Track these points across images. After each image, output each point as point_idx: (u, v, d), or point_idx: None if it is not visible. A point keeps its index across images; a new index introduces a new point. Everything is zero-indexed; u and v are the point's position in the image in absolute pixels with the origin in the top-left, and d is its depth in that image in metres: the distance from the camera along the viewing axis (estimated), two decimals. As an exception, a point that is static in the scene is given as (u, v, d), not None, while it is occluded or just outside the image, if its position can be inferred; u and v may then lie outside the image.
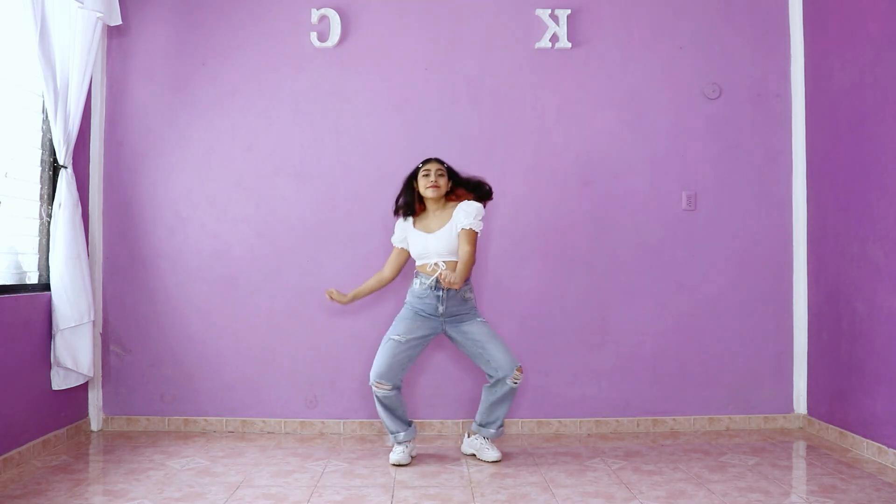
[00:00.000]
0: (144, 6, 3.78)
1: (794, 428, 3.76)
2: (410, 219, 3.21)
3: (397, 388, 3.09)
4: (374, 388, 3.07)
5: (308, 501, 2.62)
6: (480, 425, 3.22)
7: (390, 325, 3.69)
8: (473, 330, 3.13)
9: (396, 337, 3.09)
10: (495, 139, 3.76)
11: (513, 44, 3.80)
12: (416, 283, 3.16)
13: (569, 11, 3.75)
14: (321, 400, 3.73)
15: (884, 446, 3.09)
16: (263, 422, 3.71)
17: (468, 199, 3.12)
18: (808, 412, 3.75)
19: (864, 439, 3.23)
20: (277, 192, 3.76)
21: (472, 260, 3.06)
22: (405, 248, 3.24)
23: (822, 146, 3.64)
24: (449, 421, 3.71)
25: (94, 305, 3.57)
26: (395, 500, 2.64)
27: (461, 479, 2.89)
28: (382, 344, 3.12)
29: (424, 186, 3.11)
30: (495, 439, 3.27)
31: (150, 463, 3.11)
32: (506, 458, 3.22)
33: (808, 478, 2.96)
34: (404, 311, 3.18)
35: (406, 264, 3.31)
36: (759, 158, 3.82)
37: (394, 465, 3.10)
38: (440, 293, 3.09)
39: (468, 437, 3.27)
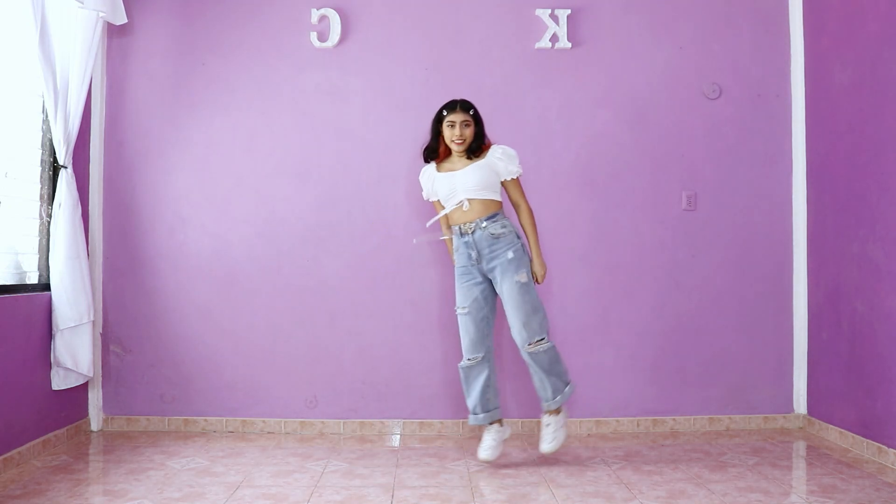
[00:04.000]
0: (145, 6, 3.78)
1: (794, 428, 3.76)
2: (433, 164, 3.12)
3: (487, 358, 3.04)
4: (462, 365, 3.06)
5: (308, 501, 2.62)
6: (544, 401, 3.07)
7: (390, 325, 3.72)
8: (503, 290, 2.97)
9: (460, 310, 3.06)
10: (495, 139, 3.74)
11: (513, 44, 3.80)
12: (454, 240, 3.09)
13: (569, 11, 3.75)
14: (321, 400, 3.73)
15: (884, 446, 3.09)
16: (263, 422, 3.71)
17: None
18: (808, 412, 3.75)
19: (864, 439, 3.23)
20: (277, 192, 3.76)
21: (531, 211, 3.04)
22: (438, 199, 3.15)
23: (822, 146, 3.64)
24: (449, 421, 3.71)
25: (94, 305, 3.57)
26: (395, 500, 2.64)
27: (461, 479, 2.89)
28: (459, 321, 3.10)
29: (449, 139, 3.01)
30: (563, 413, 3.05)
31: (150, 463, 3.11)
32: (505, 457, 3.22)
33: (808, 478, 2.96)
34: (456, 273, 3.11)
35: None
36: (759, 158, 3.82)
37: (483, 460, 3.04)
38: (468, 239, 2.99)
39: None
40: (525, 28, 3.79)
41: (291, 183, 3.76)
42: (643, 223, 3.79)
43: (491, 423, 3.11)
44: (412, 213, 3.73)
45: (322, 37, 3.77)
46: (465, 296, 3.05)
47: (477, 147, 3.03)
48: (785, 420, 3.78)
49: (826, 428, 3.54)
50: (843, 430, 3.40)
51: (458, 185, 3.00)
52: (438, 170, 3.11)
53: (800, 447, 3.42)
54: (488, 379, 3.07)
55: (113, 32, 3.76)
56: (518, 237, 3.01)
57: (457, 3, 3.81)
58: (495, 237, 2.95)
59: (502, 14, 3.80)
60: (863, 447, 3.22)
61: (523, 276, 2.95)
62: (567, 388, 3.06)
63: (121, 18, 3.49)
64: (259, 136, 3.77)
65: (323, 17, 3.76)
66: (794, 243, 3.81)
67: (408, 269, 3.72)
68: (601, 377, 3.75)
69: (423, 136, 3.73)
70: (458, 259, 3.08)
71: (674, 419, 3.75)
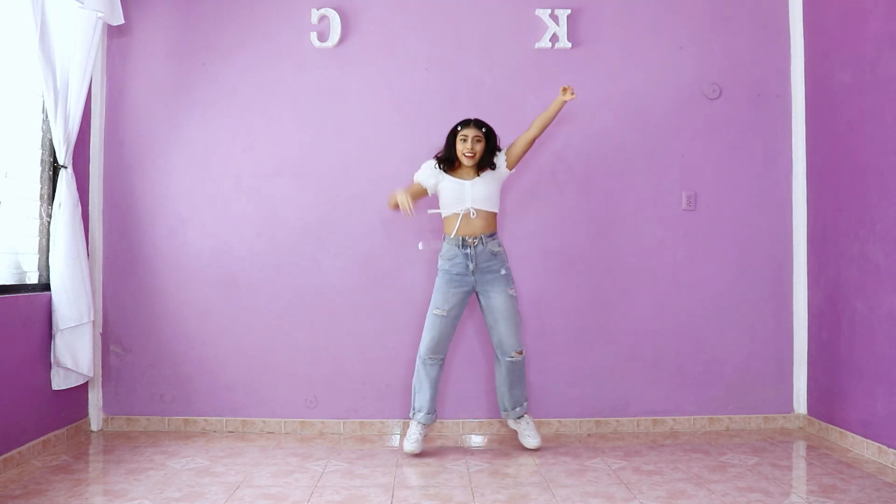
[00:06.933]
0: (144, 6, 3.78)
1: (794, 428, 3.76)
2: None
3: (443, 359, 3.30)
4: (424, 362, 3.26)
5: (308, 501, 2.62)
6: (504, 410, 3.37)
7: (390, 325, 3.72)
8: (496, 302, 3.23)
9: (438, 311, 3.24)
10: (495, 139, 3.77)
11: (513, 44, 3.80)
12: (445, 247, 3.26)
13: (569, 11, 3.75)
14: (321, 400, 3.73)
15: (884, 446, 3.09)
16: (263, 422, 3.71)
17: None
18: (808, 412, 3.75)
19: (864, 439, 3.23)
20: (277, 192, 3.76)
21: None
22: (428, 191, 3.31)
23: (822, 146, 3.64)
24: (449, 421, 3.71)
25: (94, 305, 3.57)
26: (395, 500, 2.64)
27: (461, 479, 2.89)
28: (427, 318, 3.28)
29: (461, 152, 3.22)
30: (536, 425, 3.42)
31: (150, 463, 3.11)
32: (505, 457, 3.23)
33: (808, 478, 2.96)
34: (439, 280, 3.29)
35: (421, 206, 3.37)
36: (759, 158, 3.82)
37: (409, 453, 3.25)
38: (468, 251, 3.20)
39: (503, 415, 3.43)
40: (525, 28, 3.79)
41: (291, 183, 3.76)
42: (643, 223, 3.79)
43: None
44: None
45: (322, 37, 3.77)
46: (447, 300, 3.24)
47: (487, 163, 3.25)
48: (785, 420, 3.78)
49: (826, 428, 3.54)
50: (843, 430, 3.40)
51: (467, 194, 3.20)
52: (448, 173, 3.28)
53: (800, 447, 3.42)
54: (438, 381, 3.31)
55: (113, 32, 3.76)
56: (506, 258, 3.31)
57: (457, 3, 3.81)
58: (494, 254, 3.24)
59: (502, 14, 3.80)
60: (863, 447, 3.22)
61: (513, 291, 3.28)
62: (525, 404, 3.37)
63: (118, 19, 3.49)
64: (259, 137, 3.77)
65: (323, 17, 3.76)
66: (794, 243, 3.81)
67: (408, 269, 3.72)
68: (601, 377, 3.75)
69: (423, 135, 3.75)
70: (452, 267, 3.25)
71: (674, 419, 3.75)
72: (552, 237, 3.76)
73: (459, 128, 3.25)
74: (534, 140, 3.28)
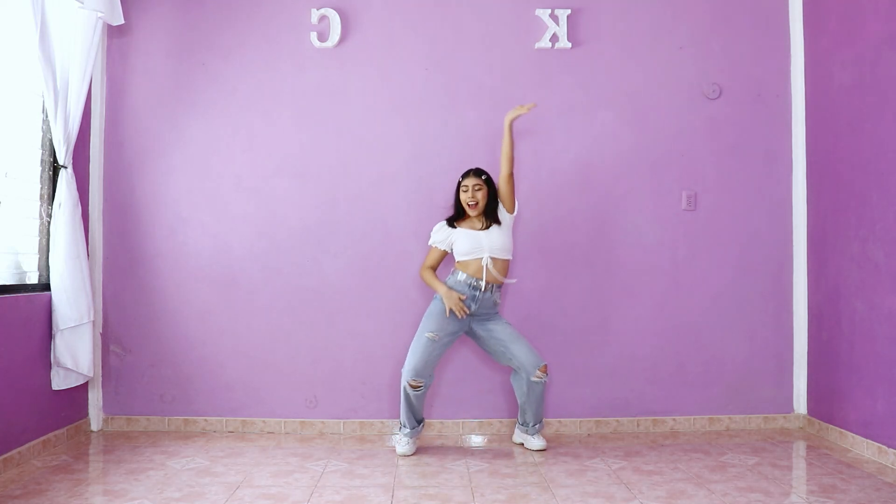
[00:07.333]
0: (144, 6, 3.78)
1: (794, 428, 3.76)
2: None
3: (428, 385, 3.27)
4: (407, 385, 3.22)
5: (308, 501, 2.62)
6: (520, 423, 3.43)
7: (390, 325, 3.71)
8: (498, 329, 3.30)
9: (431, 335, 3.23)
10: (495, 139, 3.76)
11: (513, 44, 3.80)
12: (455, 279, 3.27)
13: (569, 11, 3.75)
14: (321, 400, 3.73)
15: (884, 446, 3.09)
16: (263, 422, 3.71)
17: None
18: (808, 412, 3.75)
19: (864, 439, 3.23)
20: (277, 192, 3.76)
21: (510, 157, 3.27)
22: (447, 249, 3.35)
23: (822, 146, 3.64)
24: (449, 421, 3.71)
25: (94, 305, 3.57)
26: (395, 500, 2.64)
27: (461, 479, 2.89)
28: (416, 341, 3.26)
29: (464, 201, 3.29)
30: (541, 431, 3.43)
31: (150, 463, 3.11)
32: (506, 457, 3.23)
33: (808, 478, 2.96)
34: (435, 306, 3.29)
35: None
36: (759, 158, 3.82)
37: (401, 455, 3.26)
38: (477, 294, 3.24)
39: (517, 427, 3.48)
40: (525, 28, 3.79)
41: (291, 183, 3.76)
42: (643, 223, 3.79)
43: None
44: (412, 213, 3.74)
45: (322, 37, 3.77)
46: (440, 325, 3.24)
47: (491, 210, 3.29)
48: (785, 420, 3.78)
49: (826, 428, 3.54)
50: (843, 430, 3.40)
51: (483, 244, 3.24)
52: (458, 226, 3.33)
53: (800, 447, 3.42)
54: (421, 402, 3.31)
55: (113, 32, 3.76)
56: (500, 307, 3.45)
57: (456, 4, 3.81)
58: (494, 303, 3.32)
59: (502, 14, 3.80)
60: (863, 447, 3.22)
61: (506, 321, 3.37)
62: (539, 424, 3.39)
63: (118, 19, 3.49)
64: (259, 136, 3.77)
65: (323, 17, 3.76)
66: (794, 243, 3.81)
67: (408, 268, 3.72)
68: (601, 377, 3.75)
69: (423, 135, 3.75)
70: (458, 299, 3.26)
71: (674, 419, 3.75)
72: (552, 237, 3.76)
73: (461, 179, 3.31)
74: (510, 174, 3.27)
